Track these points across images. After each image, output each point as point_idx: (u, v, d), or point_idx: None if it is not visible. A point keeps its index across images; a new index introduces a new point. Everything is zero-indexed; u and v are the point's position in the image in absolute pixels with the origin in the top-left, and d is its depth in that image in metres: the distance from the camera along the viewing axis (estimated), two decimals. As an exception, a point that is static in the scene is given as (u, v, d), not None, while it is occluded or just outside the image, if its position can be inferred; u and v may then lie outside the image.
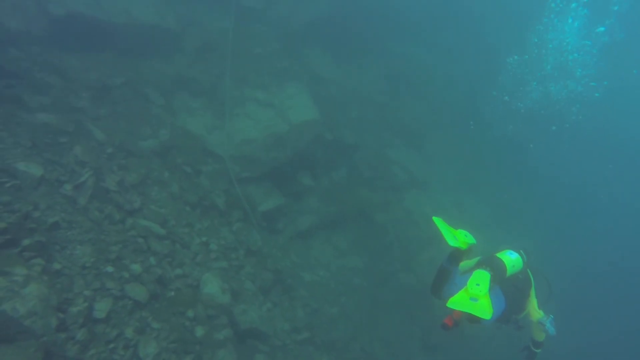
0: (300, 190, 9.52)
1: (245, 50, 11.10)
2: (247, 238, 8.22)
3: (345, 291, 9.21)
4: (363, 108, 12.50)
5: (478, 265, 3.86)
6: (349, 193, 10.03)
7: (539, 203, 14.79)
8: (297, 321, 7.83)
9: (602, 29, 13.24)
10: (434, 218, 4.05)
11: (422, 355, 10.01)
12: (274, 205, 9.04)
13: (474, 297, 3.50)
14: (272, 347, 7.25)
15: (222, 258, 7.37)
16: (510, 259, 3.94)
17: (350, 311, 8.95)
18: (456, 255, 4.04)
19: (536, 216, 14.17)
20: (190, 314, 5.86)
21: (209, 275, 6.61)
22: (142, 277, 5.45)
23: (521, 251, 4.15)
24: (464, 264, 4.10)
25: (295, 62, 11.96)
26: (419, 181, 11.39)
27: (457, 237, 4.01)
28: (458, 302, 3.51)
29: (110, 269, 5.22)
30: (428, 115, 13.88)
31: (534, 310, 4.12)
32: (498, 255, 3.97)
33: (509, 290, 3.92)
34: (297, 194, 9.48)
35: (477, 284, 3.56)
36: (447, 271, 4.03)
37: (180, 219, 7.30)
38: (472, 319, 3.59)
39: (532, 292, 4.17)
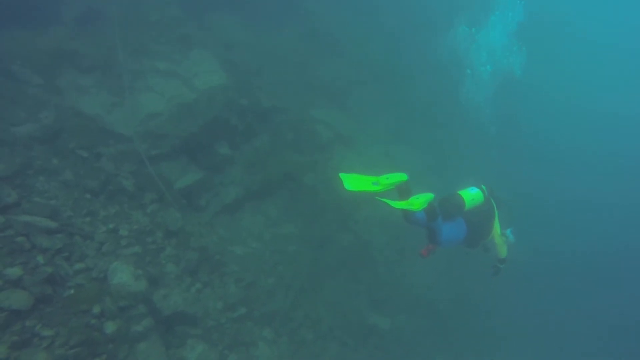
0: (220, 161, 8.84)
1: (139, 17, 10.01)
2: (165, 219, 7.49)
3: (281, 260, 8.81)
4: (281, 70, 11.84)
5: (440, 201, 4.56)
6: (273, 158, 9.49)
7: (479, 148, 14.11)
8: (230, 297, 7.35)
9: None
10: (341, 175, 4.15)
11: (370, 311, 9.96)
12: (193, 181, 8.34)
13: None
14: (206, 329, 6.75)
15: (135, 243, 6.64)
16: (470, 194, 4.66)
17: (289, 279, 8.58)
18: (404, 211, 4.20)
19: (477, 162, 13.81)
20: (96, 310, 5.16)
21: (117, 264, 5.89)
22: (24, 280, 4.63)
23: (482, 186, 4.84)
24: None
25: (199, 28, 11.01)
26: (345, 138, 11.06)
27: (378, 182, 4.17)
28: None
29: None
30: (349, 71, 13.50)
31: (497, 235, 5.00)
32: (459, 192, 4.67)
33: (472, 221, 4.68)
34: (217, 165, 8.80)
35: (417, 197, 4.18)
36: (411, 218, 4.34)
37: (78, 208, 6.45)
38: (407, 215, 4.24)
39: (496, 220, 4.96)
